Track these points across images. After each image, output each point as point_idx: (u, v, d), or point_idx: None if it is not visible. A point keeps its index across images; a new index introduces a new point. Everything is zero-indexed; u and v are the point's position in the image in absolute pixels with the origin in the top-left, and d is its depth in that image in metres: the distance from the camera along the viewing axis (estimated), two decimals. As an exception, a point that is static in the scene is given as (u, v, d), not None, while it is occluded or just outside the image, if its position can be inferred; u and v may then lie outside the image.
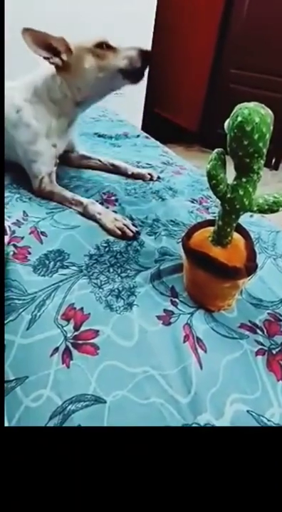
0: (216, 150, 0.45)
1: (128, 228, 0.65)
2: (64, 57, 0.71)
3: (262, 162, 0.42)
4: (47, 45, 0.69)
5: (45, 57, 0.70)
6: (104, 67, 0.71)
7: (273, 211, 0.44)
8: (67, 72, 0.72)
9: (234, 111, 0.40)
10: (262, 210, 0.44)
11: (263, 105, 0.40)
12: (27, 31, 0.66)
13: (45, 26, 0.69)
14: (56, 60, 0.71)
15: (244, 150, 0.40)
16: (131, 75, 0.72)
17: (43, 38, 0.68)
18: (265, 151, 0.41)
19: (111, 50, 0.71)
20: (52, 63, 0.71)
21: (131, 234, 0.65)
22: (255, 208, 0.44)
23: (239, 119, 0.38)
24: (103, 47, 0.70)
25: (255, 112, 0.38)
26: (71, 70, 0.72)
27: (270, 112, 0.40)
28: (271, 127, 0.40)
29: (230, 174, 0.45)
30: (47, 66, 0.73)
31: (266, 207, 0.44)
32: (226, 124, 0.41)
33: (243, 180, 0.43)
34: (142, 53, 0.70)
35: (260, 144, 0.39)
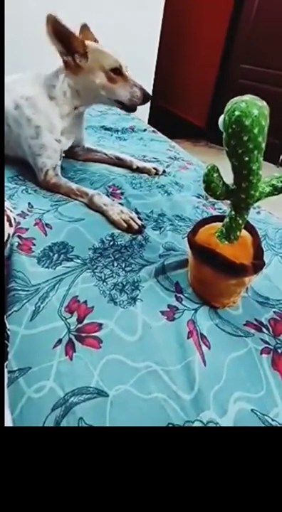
0: (207, 167, 0.43)
1: (134, 221, 0.65)
2: (78, 59, 0.72)
3: (261, 160, 0.40)
4: (67, 41, 0.69)
5: (59, 52, 0.70)
6: (109, 90, 0.75)
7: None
8: (74, 74, 0.73)
9: (229, 106, 0.37)
10: (272, 196, 0.44)
11: (258, 97, 0.38)
12: (52, 18, 0.64)
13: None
14: (69, 59, 0.71)
15: (244, 146, 0.38)
16: (126, 108, 0.78)
17: (65, 32, 0.67)
18: (264, 146, 0.39)
19: (121, 77, 0.75)
20: (64, 60, 0.72)
21: (137, 227, 0.64)
22: (263, 198, 0.44)
23: (237, 113, 0.36)
24: (117, 72, 0.74)
25: (252, 105, 0.36)
26: (79, 74, 0.73)
27: (265, 103, 0.38)
28: (268, 120, 0.38)
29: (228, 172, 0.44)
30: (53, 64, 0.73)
31: (277, 192, 0.44)
32: (220, 121, 0.39)
33: (243, 185, 0.42)
34: (145, 95, 0.76)
35: (260, 139, 0.38)
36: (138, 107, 0.79)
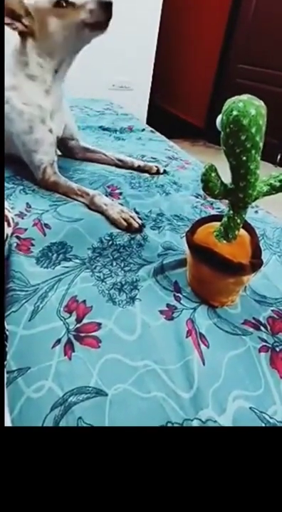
0: (205, 166, 0.43)
1: (134, 220, 0.65)
2: (25, 21, 0.67)
3: (258, 159, 0.41)
4: (7, 9, 0.64)
5: (7, 24, 0.66)
6: (68, 24, 0.68)
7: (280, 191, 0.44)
8: (34, 39, 0.69)
9: (226, 105, 0.38)
10: (269, 195, 0.44)
11: (255, 97, 0.38)
12: None
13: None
14: (18, 25, 0.67)
15: (242, 146, 0.38)
16: (96, 26, 0.69)
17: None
18: (261, 145, 0.39)
19: (70, 6, 0.67)
20: (15, 29, 0.67)
21: (137, 225, 0.64)
22: (261, 197, 0.44)
23: (234, 112, 0.36)
24: (62, 5, 0.67)
25: (250, 104, 0.37)
26: (36, 35, 0.68)
27: (263, 103, 0.38)
28: (265, 119, 0.38)
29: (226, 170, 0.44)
30: (13, 43, 0.70)
31: (274, 191, 0.44)
32: (218, 120, 0.39)
33: (241, 184, 0.42)
34: (102, 4, 0.67)
35: (258, 138, 0.38)
36: (134, 108, 0.75)
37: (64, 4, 0.67)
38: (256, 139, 0.38)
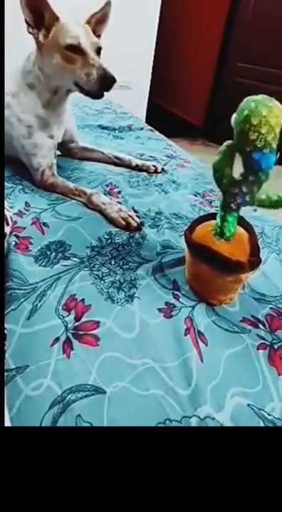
0: (225, 143, 0.42)
1: (133, 219, 0.65)
2: (40, 35, 0.66)
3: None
4: (38, 9, 0.63)
5: (26, 21, 0.65)
6: (67, 71, 0.68)
7: (273, 208, 0.44)
8: (40, 52, 0.69)
9: (241, 105, 0.39)
10: (263, 206, 0.44)
11: (272, 98, 0.39)
12: None
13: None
14: (34, 31, 0.66)
15: (252, 145, 0.39)
16: (87, 93, 0.69)
17: (39, 1, 0.62)
18: (275, 146, 0.39)
19: (81, 55, 0.66)
20: (29, 32, 0.66)
21: (135, 224, 0.64)
22: (256, 204, 0.44)
23: (246, 112, 0.37)
24: (74, 50, 0.66)
25: (262, 105, 0.37)
26: (43, 53, 0.68)
27: (279, 104, 0.39)
28: (280, 120, 0.38)
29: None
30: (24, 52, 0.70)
31: (268, 203, 0.44)
32: (232, 118, 0.40)
33: (250, 179, 0.42)
34: (103, 79, 0.65)
35: (270, 138, 0.38)
36: (133, 107, 0.74)
37: (78, 51, 0.65)
38: (267, 140, 0.38)
